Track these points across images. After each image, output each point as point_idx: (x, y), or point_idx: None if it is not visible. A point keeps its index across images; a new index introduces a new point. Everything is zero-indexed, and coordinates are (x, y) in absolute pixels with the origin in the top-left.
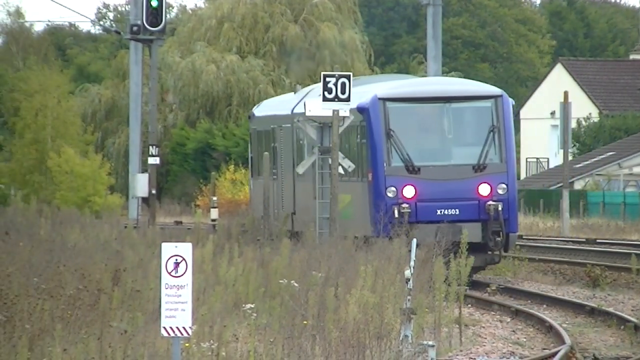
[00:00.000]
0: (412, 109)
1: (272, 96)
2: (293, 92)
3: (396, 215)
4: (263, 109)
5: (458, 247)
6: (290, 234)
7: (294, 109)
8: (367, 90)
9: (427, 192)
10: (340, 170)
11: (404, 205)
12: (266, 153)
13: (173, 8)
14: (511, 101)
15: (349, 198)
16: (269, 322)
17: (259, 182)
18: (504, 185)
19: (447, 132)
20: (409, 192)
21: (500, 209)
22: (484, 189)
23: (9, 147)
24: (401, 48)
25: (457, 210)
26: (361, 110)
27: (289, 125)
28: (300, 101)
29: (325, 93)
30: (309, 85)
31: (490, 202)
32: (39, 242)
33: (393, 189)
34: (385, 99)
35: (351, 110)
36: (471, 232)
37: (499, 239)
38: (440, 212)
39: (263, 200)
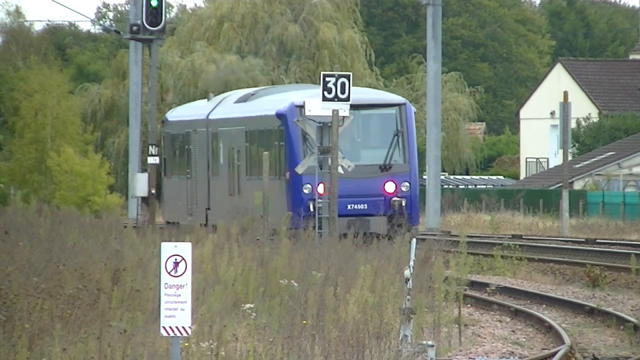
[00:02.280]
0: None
1: None
2: (207, 100)
3: (311, 209)
4: (177, 115)
5: (366, 237)
6: (205, 227)
7: (209, 114)
8: (284, 98)
9: (339, 189)
10: (340, 170)
11: (319, 200)
12: (266, 152)
13: (173, 8)
14: (413, 109)
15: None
16: (269, 321)
17: (171, 181)
18: (407, 184)
19: (356, 136)
20: (322, 189)
21: (403, 204)
22: (390, 187)
23: (8, 147)
24: (401, 48)
25: (366, 205)
26: (279, 116)
27: (204, 129)
28: (215, 107)
29: (325, 93)
30: (309, 84)
31: (395, 198)
32: (38, 241)
33: (309, 186)
34: (301, 106)
35: (270, 117)
36: (378, 225)
37: (402, 231)
38: (351, 207)
39: (187, 197)
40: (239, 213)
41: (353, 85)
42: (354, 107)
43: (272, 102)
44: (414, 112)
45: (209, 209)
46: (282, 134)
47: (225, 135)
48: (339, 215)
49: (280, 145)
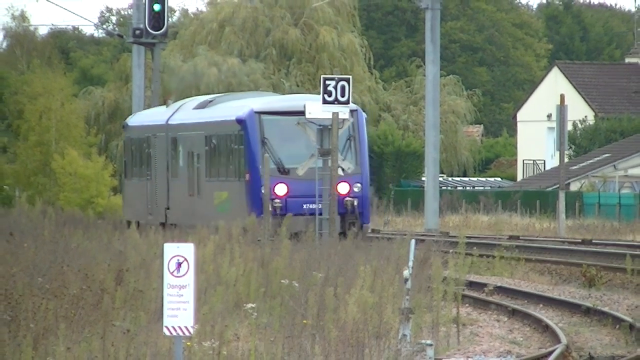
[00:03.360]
0: (282, 121)
1: None
2: (165, 106)
3: (270, 208)
4: (137, 120)
5: (320, 234)
6: (164, 225)
7: (168, 120)
8: (244, 104)
9: (295, 189)
10: (340, 172)
11: (277, 200)
12: (267, 155)
13: (175, 12)
14: (364, 115)
15: (226, 195)
16: (270, 321)
17: (131, 183)
18: (359, 185)
19: (312, 140)
20: (280, 189)
21: (355, 204)
22: (343, 188)
23: (13, 149)
24: (400, 51)
25: (321, 205)
26: (239, 121)
27: (164, 133)
28: (174, 113)
29: (325, 96)
30: (308, 88)
31: (348, 198)
32: (43, 242)
33: (267, 187)
34: (260, 112)
35: (230, 122)
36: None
37: (354, 228)
38: (306, 206)
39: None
40: (199, 212)
41: (352, 90)
42: None
43: (231, 108)
44: (365, 118)
45: (168, 208)
46: (242, 138)
47: (184, 140)
48: (297, 214)
49: (239, 149)
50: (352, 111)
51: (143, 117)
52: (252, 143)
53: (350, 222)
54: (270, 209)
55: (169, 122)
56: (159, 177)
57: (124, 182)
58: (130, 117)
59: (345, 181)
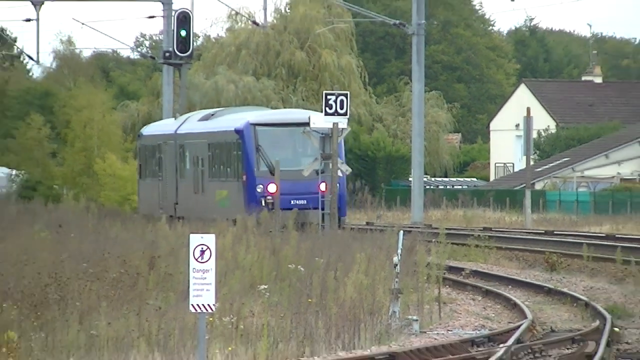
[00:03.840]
0: (274, 131)
1: None
2: (174, 118)
3: (263, 204)
4: (150, 130)
5: (306, 225)
6: (172, 217)
7: (177, 130)
8: (241, 117)
9: (284, 188)
10: (340, 174)
11: (269, 197)
12: (277, 159)
13: (199, 37)
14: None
15: (225, 193)
16: (280, 300)
17: (145, 182)
18: (337, 185)
19: (298, 147)
20: (272, 188)
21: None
22: (324, 187)
23: (61, 154)
24: (390, 71)
25: (305, 201)
26: (237, 131)
27: (173, 141)
28: (181, 124)
29: (327, 108)
30: (312, 102)
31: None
32: (87, 233)
33: (261, 186)
34: (255, 124)
35: (230, 132)
36: (314, 216)
37: (334, 220)
38: (294, 202)
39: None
40: (203, 206)
41: (349, 103)
42: (298, 124)
43: (230, 120)
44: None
45: (177, 203)
46: (240, 146)
47: (191, 146)
48: (285, 209)
49: (238, 154)
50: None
51: (155, 128)
52: (248, 149)
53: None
54: (263, 204)
55: (178, 132)
56: (168, 177)
57: (139, 182)
58: (144, 127)
59: (325, 181)
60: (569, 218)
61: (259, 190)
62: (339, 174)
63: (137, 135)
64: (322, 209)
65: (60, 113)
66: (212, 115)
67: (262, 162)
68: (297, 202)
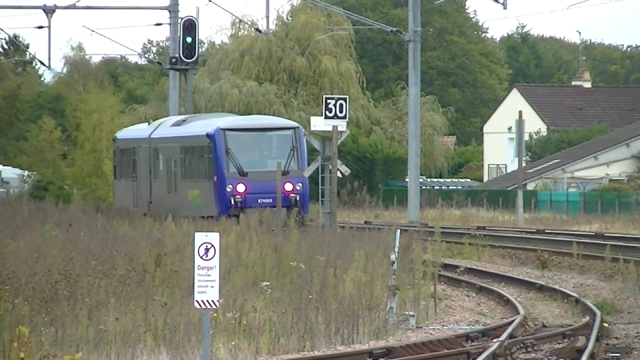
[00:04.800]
0: (242, 135)
1: (284, 115)
2: (147, 123)
3: (232, 203)
4: (124, 134)
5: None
6: (148, 215)
7: (150, 134)
8: (211, 122)
9: (252, 188)
10: (339, 174)
11: (237, 196)
12: (279, 161)
13: (204, 44)
14: (304, 131)
15: (197, 192)
16: (281, 296)
17: (120, 183)
18: (300, 184)
19: (264, 150)
20: (240, 188)
21: (298, 199)
22: (288, 186)
23: (72, 156)
24: (387, 76)
25: (271, 199)
26: (209, 136)
27: (147, 145)
28: (155, 129)
29: (327, 112)
30: (312, 106)
31: (292, 195)
32: (96, 232)
33: (230, 186)
34: (224, 129)
35: (202, 136)
36: (280, 214)
37: (297, 217)
38: (261, 201)
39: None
40: (176, 205)
41: (348, 107)
42: (264, 129)
43: (202, 125)
44: (304, 133)
45: (151, 202)
46: (211, 149)
47: (164, 150)
48: (253, 207)
49: (209, 157)
50: (293, 128)
51: (129, 132)
52: (219, 152)
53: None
54: (232, 202)
55: (151, 136)
56: (142, 178)
57: (114, 182)
58: (118, 132)
59: (289, 181)
60: (560, 217)
61: (228, 189)
62: (339, 174)
63: (113, 139)
64: (288, 206)
65: (70, 116)
66: (184, 121)
67: (231, 164)
68: (264, 200)
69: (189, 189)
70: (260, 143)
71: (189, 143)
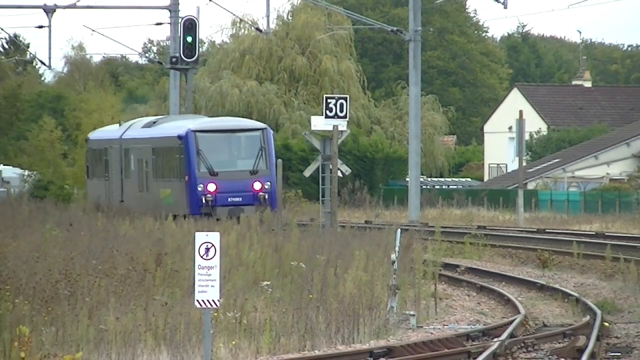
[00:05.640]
0: (212, 137)
1: (284, 114)
2: (118, 125)
3: (203, 201)
4: (96, 135)
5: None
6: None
7: (122, 135)
8: (182, 124)
9: (222, 187)
10: (339, 174)
11: (208, 195)
12: (280, 160)
13: (204, 43)
14: (272, 132)
15: (169, 191)
16: (282, 296)
17: (92, 182)
18: (269, 183)
19: (233, 150)
20: (211, 187)
21: (266, 197)
22: (257, 185)
23: (72, 155)
24: (388, 75)
25: (241, 198)
26: (180, 137)
27: (118, 145)
28: (126, 130)
29: (327, 111)
30: (313, 105)
31: (260, 193)
32: (96, 231)
33: (201, 185)
34: (195, 131)
35: (173, 137)
36: (249, 211)
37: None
38: (230, 199)
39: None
40: (147, 203)
41: (349, 106)
42: (233, 131)
43: (173, 127)
44: (272, 134)
45: (122, 200)
46: (182, 150)
47: (135, 150)
48: (223, 205)
49: (180, 158)
50: (262, 129)
51: (101, 133)
52: (190, 153)
53: (262, 211)
54: (204, 201)
55: (122, 137)
56: (114, 177)
57: (87, 181)
58: (90, 132)
59: (258, 180)
60: (560, 217)
61: (199, 189)
62: (339, 174)
63: (85, 139)
64: (256, 204)
65: (71, 116)
66: (154, 122)
67: (202, 164)
68: (234, 199)
69: (160, 188)
70: (230, 144)
71: (161, 144)
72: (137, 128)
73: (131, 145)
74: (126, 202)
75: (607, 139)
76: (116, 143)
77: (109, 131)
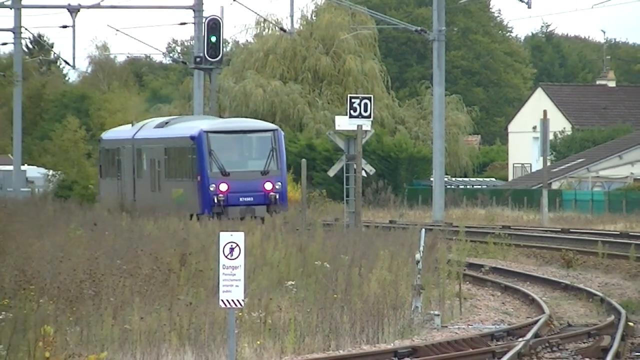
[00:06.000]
0: (224, 137)
1: (308, 114)
2: (131, 125)
3: (215, 201)
4: (109, 135)
5: (253, 218)
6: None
7: (134, 135)
8: (195, 125)
9: (234, 187)
10: (363, 174)
11: (220, 195)
12: (304, 160)
13: (228, 43)
14: (282, 133)
15: (181, 191)
16: (306, 295)
17: (106, 181)
18: (279, 183)
19: (245, 151)
20: (223, 187)
21: (277, 197)
22: (268, 185)
23: (96, 155)
24: (412, 75)
25: (252, 198)
26: (193, 138)
27: (131, 145)
28: (138, 131)
29: (351, 111)
30: (337, 105)
31: (271, 193)
32: (120, 231)
33: (213, 185)
34: (207, 131)
35: (185, 138)
36: (260, 211)
37: (277, 215)
38: (242, 199)
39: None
40: (159, 203)
41: (373, 106)
42: (245, 132)
43: (185, 128)
44: (283, 135)
45: (134, 200)
46: (194, 150)
47: (148, 150)
48: (235, 205)
49: (193, 158)
50: (273, 130)
51: (114, 133)
52: (202, 153)
53: (274, 210)
54: (216, 201)
55: (135, 137)
56: (126, 177)
57: (100, 181)
58: (103, 133)
59: (269, 181)
60: (584, 217)
61: (211, 189)
62: (363, 174)
63: (98, 140)
64: (268, 204)
65: (95, 116)
66: (167, 123)
67: (214, 165)
68: (245, 199)
69: (172, 187)
70: (241, 144)
71: (173, 144)
72: (149, 128)
73: (144, 145)
74: (138, 202)
75: (631, 138)
76: (129, 143)
77: (122, 131)
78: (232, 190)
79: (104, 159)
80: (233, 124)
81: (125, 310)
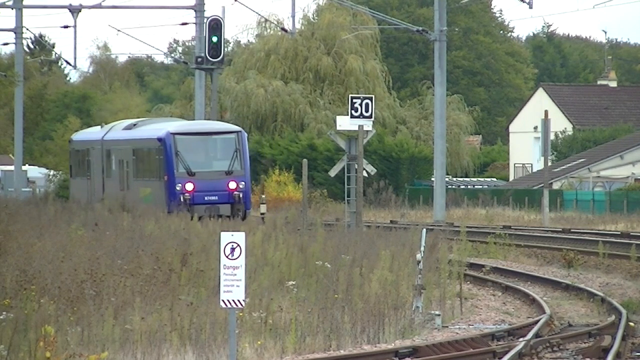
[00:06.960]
0: (190, 139)
1: (310, 114)
2: (100, 127)
3: (181, 200)
4: (79, 137)
5: (218, 216)
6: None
7: (103, 137)
8: (162, 127)
9: (199, 186)
10: (364, 174)
11: (186, 194)
12: (305, 160)
13: (230, 43)
14: (245, 134)
15: (149, 190)
16: (307, 295)
17: (76, 181)
18: (243, 183)
19: (210, 152)
20: (189, 187)
21: (241, 196)
22: (232, 185)
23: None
24: (413, 75)
25: (217, 197)
26: (160, 139)
27: (100, 146)
28: (107, 132)
29: (352, 111)
30: (338, 105)
31: (235, 192)
32: (122, 231)
33: (179, 185)
34: (174, 133)
35: (153, 139)
36: (225, 210)
37: (240, 213)
38: (207, 198)
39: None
40: (128, 202)
41: (374, 106)
42: (209, 133)
43: (153, 129)
44: (247, 136)
45: (103, 199)
46: (161, 151)
47: (116, 151)
48: (200, 204)
49: (160, 159)
50: (236, 132)
51: (84, 135)
52: (169, 154)
53: (237, 209)
54: (182, 200)
55: (104, 139)
56: (96, 177)
57: (71, 180)
58: (74, 134)
59: (233, 180)
60: (585, 217)
61: (178, 188)
62: (365, 174)
63: (68, 140)
64: (232, 203)
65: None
66: (135, 125)
67: (180, 165)
68: (210, 198)
69: (140, 187)
70: (206, 145)
71: (141, 145)
72: (118, 130)
73: (113, 147)
74: (107, 200)
75: (632, 138)
76: (98, 144)
77: (92, 133)
78: (198, 190)
79: (74, 159)
80: (198, 126)
81: (126, 310)
